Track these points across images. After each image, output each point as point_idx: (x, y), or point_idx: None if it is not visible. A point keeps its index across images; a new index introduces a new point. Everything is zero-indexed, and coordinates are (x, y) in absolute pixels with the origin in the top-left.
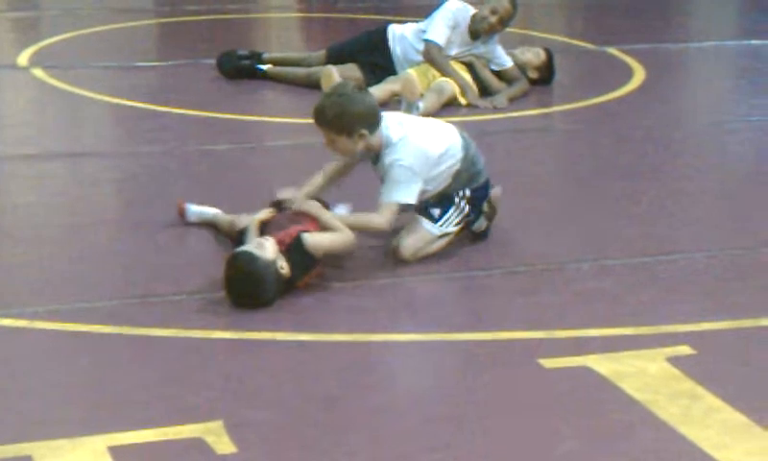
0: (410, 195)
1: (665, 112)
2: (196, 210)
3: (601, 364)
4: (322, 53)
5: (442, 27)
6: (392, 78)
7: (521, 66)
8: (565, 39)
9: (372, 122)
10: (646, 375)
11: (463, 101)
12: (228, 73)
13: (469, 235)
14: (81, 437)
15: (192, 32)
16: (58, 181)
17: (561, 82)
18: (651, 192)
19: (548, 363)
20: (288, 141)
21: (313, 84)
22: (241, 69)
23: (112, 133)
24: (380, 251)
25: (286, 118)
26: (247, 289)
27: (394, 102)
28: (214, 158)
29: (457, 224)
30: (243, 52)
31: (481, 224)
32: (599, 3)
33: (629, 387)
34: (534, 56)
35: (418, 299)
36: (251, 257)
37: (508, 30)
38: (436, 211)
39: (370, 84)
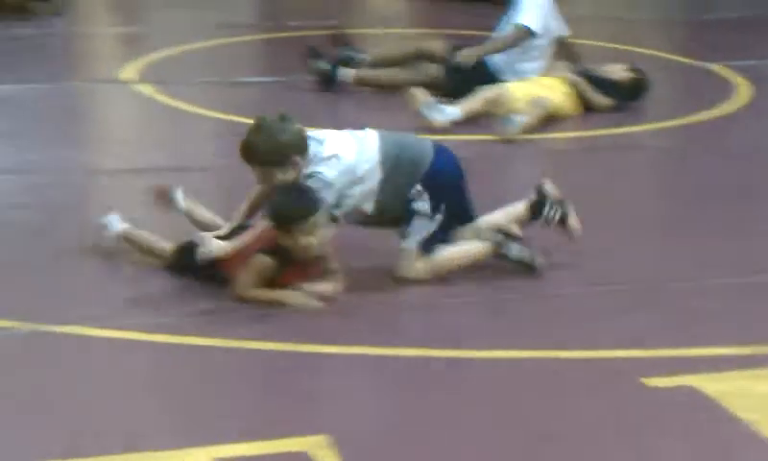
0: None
1: None
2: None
3: (705, 383)
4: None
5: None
6: (484, 88)
7: (611, 84)
8: (667, 55)
9: (303, 147)
10: (752, 394)
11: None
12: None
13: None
14: (185, 448)
15: (295, 47)
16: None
17: (662, 98)
18: (754, 211)
19: (651, 382)
20: None
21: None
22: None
23: (215, 148)
24: (472, 268)
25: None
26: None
27: (486, 116)
28: None
29: (431, 222)
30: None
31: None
32: (702, 19)
33: (734, 407)
34: (622, 73)
35: (517, 316)
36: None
37: (610, 45)
38: (405, 230)
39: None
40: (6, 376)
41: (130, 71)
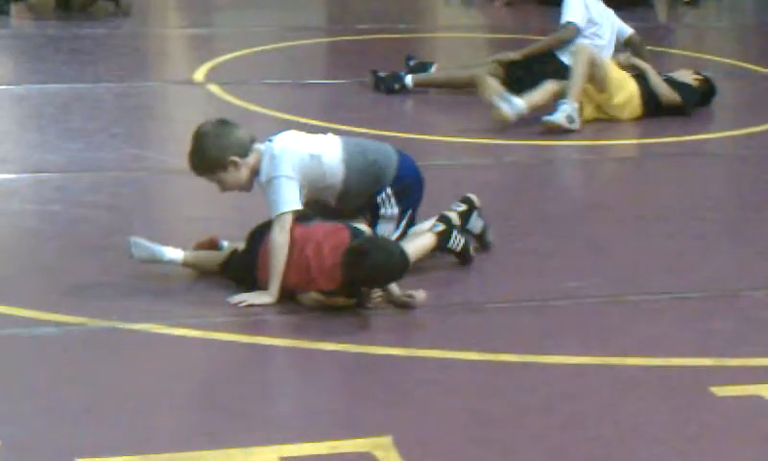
0: (292, 201)
1: None
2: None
3: None
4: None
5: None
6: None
7: (680, 86)
8: (738, 63)
9: (238, 146)
10: None
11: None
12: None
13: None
14: (253, 447)
15: (362, 50)
16: (230, 195)
17: (732, 106)
18: None
19: (720, 391)
20: (453, 160)
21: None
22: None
23: None
24: (541, 271)
25: (453, 137)
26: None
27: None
28: None
29: (397, 229)
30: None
31: (475, 224)
32: None
33: None
34: (691, 77)
35: (584, 321)
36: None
37: (680, 52)
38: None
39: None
40: (75, 371)
41: (199, 72)
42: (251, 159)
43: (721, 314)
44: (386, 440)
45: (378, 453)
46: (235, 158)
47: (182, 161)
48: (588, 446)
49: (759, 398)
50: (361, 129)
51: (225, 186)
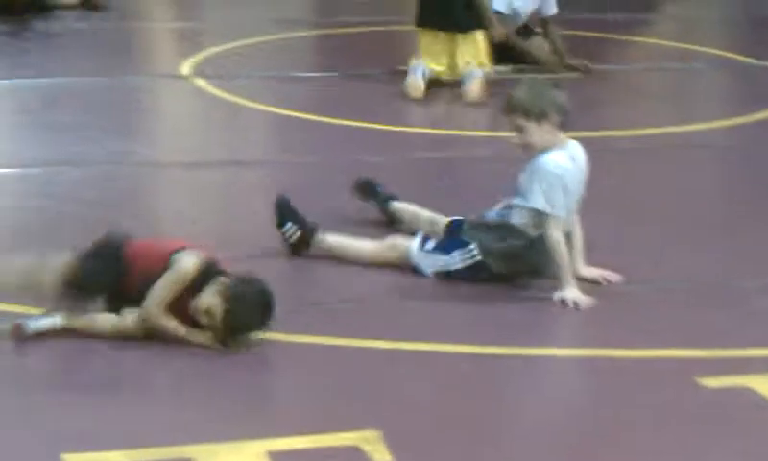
0: (561, 207)
1: None
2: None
3: (763, 384)
4: None
5: None
6: None
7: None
8: (726, 54)
9: (558, 107)
10: None
11: None
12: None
13: None
14: (240, 441)
15: (351, 43)
16: (217, 189)
17: (722, 96)
18: None
19: (707, 382)
20: (442, 153)
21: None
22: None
23: (271, 143)
24: None
25: (441, 130)
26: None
27: None
28: (369, 169)
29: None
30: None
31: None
32: (762, 17)
33: None
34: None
35: (573, 313)
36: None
37: (665, 43)
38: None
39: None
40: None
41: (185, 66)
42: (555, 128)
43: (709, 305)
44: (373, 433)
45: (366, 447)
46: (555, 116)
47: (169, 155)
48: (575, 437)
49: (747, 389)
50: (351, 122)
51: (522, 137)
